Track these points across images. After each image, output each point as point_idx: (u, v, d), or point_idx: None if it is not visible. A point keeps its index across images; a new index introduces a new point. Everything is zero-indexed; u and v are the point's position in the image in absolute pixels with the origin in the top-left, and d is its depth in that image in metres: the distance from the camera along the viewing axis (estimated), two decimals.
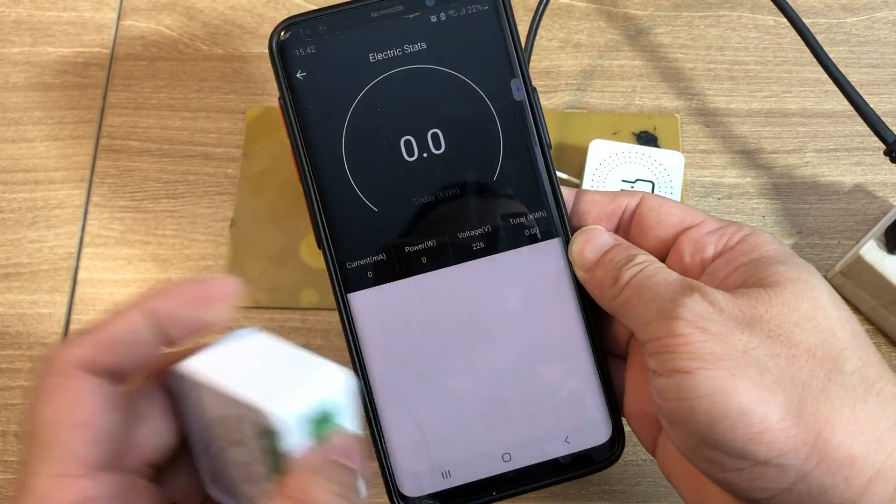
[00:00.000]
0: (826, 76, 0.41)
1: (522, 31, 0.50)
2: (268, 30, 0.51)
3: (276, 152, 0.47)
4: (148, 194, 0.47)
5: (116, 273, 0.45)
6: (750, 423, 0.25)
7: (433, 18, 0.31)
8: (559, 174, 0.45)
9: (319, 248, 0.31)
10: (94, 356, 0.24)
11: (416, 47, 0.31)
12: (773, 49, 0.50)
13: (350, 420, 0.25)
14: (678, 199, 0.43)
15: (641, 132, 0.47)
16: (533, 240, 0.32)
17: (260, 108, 0.49)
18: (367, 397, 0.31)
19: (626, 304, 0.29)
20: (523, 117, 0.32)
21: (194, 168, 0.47)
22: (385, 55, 0.31)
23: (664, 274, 0.28)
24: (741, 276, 0.28)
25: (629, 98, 0.49)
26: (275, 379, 0.24)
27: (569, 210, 0.32)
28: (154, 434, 0.26)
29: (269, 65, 0.50)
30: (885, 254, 0.40)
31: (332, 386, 0.24)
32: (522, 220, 0.32)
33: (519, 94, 0.32)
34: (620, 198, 0.32)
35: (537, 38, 0.48)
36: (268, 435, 0.23)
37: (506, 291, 0.31)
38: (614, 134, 0.47)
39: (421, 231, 0.31)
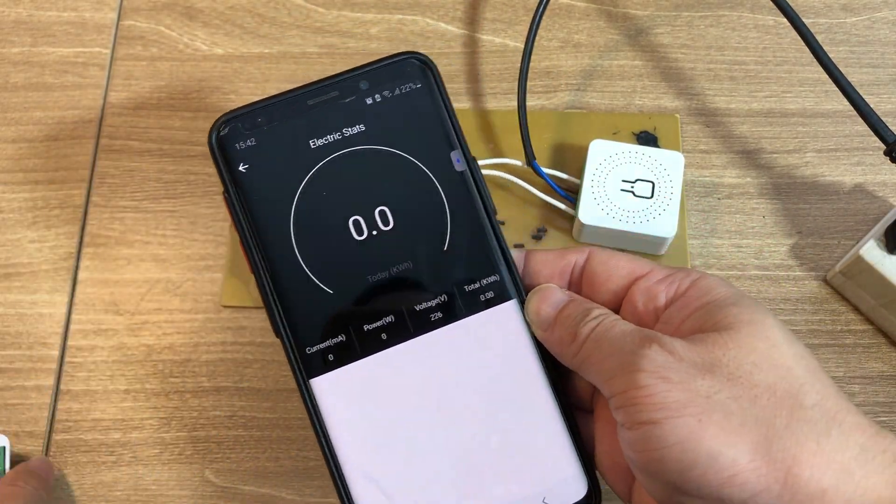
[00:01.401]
0: (826, 76, 0.41)
1: (522, 30, 0.50)
2: (268, 30, 0.51)
3: None
4: (148, 194, 0.47)
5: (117, 273, 0.45)
6: (721, 467, 0.25)
7: (369, 101, 0.32)
8: (559, 174, 0.45)
9: (277, 336, 0.31)
10: None
11: (355, 130, 0.32)
12: (773, 49, 0.50)
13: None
14: (678, 201, 0.43)
15: (641, 132, 0.48)
16: (488, 304, 0.32)
17: None
18: (336, 475, 0.31)
19: (587, 360, 0.29)
20: (466, 187, 0.32)
21: (194, 168, 0.47)
22: (325, 140, 0.32)
23: (621, 326, 0.29)
24: (695, 321, 0.29)
25: (629, 98, 0.49)
26: None
27: (520, 271, 0.33)
28: None
29: (269, 65, 0.50)
30: (885, 254, 0.40)
31: None
32: (476, 286, 0.32)
33: (460, 165, 0.33)
34: (569, 255, 0.32)
35: (537, 38, 0.48)
36: None
37: (467, 358, 0.31)
38: (614, 134, 0.47)
39: (378, 308, 0.31)
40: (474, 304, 0.32)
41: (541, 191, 0.45)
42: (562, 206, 0.45)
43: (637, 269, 0.31)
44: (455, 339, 0.31)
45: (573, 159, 0.47)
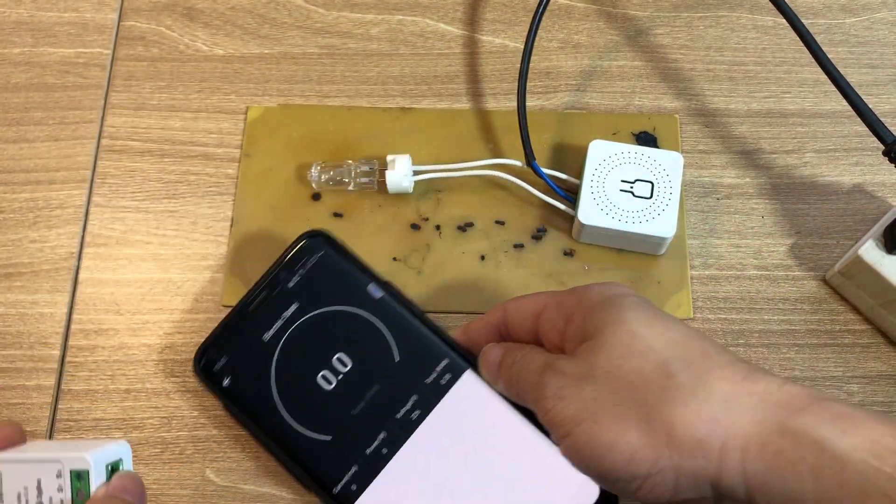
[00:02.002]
0: (825, 77, 0.42)
1: (522, 31, 0.50)
2: (268, 31, 0.51)
3: (276, 152, 0.47)
4: (149, 194, 0.47)
5: (117, 273, 0.45)
6: (621, 452, 0.30)
7: (290, 284, 0.39)
8: (559, 174, 0.45)
9: (309, 492, 0.37)
10: None
11: (291, 310, 0.39)
12: (772, 50, 0.50)
13: (129, 468, 0.34)
14: (677, 201, 0.43)
15: (641, 132, 0.48)
16: (451, 383, 0.38)
17: (260, 108, 0.49)
18: None
19: (522, 398, 0.34)
20: (390, 305, 0.39)
21: (195, 168, 0.47)
22: (273, 330, 0.39)
23: (532, 364, 0.34)
24: (580, 332, 0.33)
25: (629, 98, 0.49)
26: (79, 445, 0.33)
27: (463, 343, 0.38)
28: None
29: (269, 65, 0.50)
30: (884, 254, 0.40)
31: (121, 448, 0.33)
32: (434, 375, 0.38)
33: (377, 293, 0.39)
34: (493, 315, 0.37)
35: (537, 38, 0.48)
36: (80, 476, 0.31)
37: (455, 433, 0.37)
38: (614, 134, 0.47)
39: (369, 432, 0.37)
40: (440, 390, 0.38)
41: (540, 191, 0.45)
42: (561, 206, 0.45)
43: (537, 307, 0.35)
44: (438, 425, 0.37)
45: (573, 160, 0.47)
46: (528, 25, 0.46)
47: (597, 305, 0.33)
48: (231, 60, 0.50)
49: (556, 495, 0.35)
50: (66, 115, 0.49)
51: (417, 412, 0.37)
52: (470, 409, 0.37)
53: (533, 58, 0.49)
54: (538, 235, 0.45)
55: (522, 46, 0.47)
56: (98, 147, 0.48)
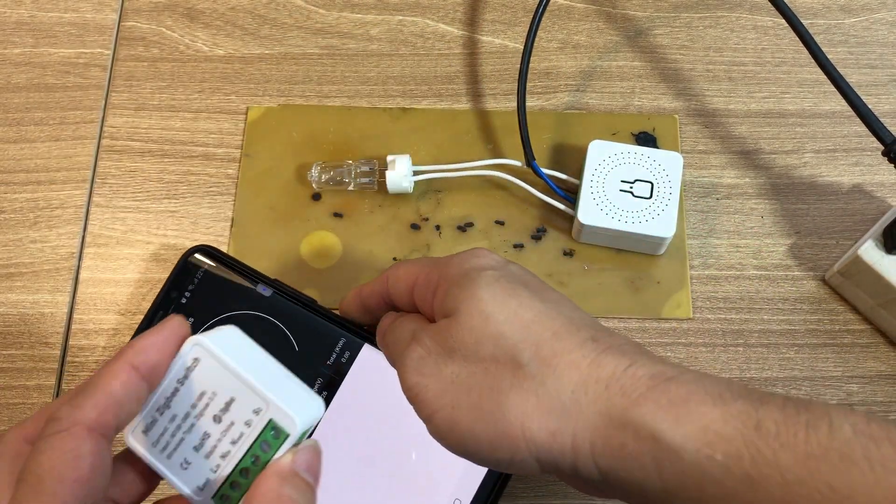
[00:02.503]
0: (824, 77, 0.42)
1: (522, 31, 0.50)
2: (269, 31, 0.51)
3: (276, 153, 0.47)
4: (149, 194, 0.47)
5: (118, 273, 0.45)
6: (481, 441, 0.29)
7: (183, 301, 0.42)
8: (558, 174, 0.45)
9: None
10: (100, 416, 0.26)
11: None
12: (771, 50, 0.50)
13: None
14: (677, 201, 0.43)
15: (640, 133, 0.48)
16: (351, 360, 0.40)
17: (260, 108, 0.49)
18: None
19: (394, 367, 0.33)
20: (281, 300, 0.42)
21: (195, 168, 0.48)
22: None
23: (403, 331, 0.33)
24: (441, 309, 0.32)
25: (628, 99, 0.49)
26: (288, 391, 0.29)
27: (354, 307, 0.37)
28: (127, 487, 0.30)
29: (269, 65, 0.50)
30: (884, 254, 0.41)
31: (319, 412, 0.30)
32: (334, 356, 0.41)
33: (266, 291, 0.42)
34: (378, 284, 0.36)
35: (537, 39, 0.48)
36: (278, 434, 0.28)
37: (361, 410, 0.39)
38: (613, 134, 0.47)
39: None
40: (342, 369, 0.40)
41: (540, 191, 0.45)
42: (561, 206, 0.45)
43: (410, 279, 0.34)
44: (345, 403, 0.39)
45: (572, 160, 0.47)
46: (528, 26, 0.46)
47: (454, 279, 0.32)
48: (231, 61, 0.50)
49: (455, 460, 0.37)
50: (66, 116, 0.49)
51: (325, 393, 0.40)
52: (372, 382, 0.40)
53: (533, 58, 0.49)
54: (538, 235, 0.45)
55: (522, 47, 0.47)
56: (98, 147, 0.48)
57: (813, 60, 0.42)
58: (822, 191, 0.46)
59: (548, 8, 0.48)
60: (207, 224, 0.46)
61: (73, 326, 0.44)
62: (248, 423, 0.28)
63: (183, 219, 0.46)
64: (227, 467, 0.28)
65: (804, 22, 0.43)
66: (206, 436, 0.28)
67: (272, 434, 0.28)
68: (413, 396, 0.31)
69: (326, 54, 0.50)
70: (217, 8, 0.52)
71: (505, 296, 0.31)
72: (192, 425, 0.28)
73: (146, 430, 0.28)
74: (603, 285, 0.44)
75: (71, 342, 0.44)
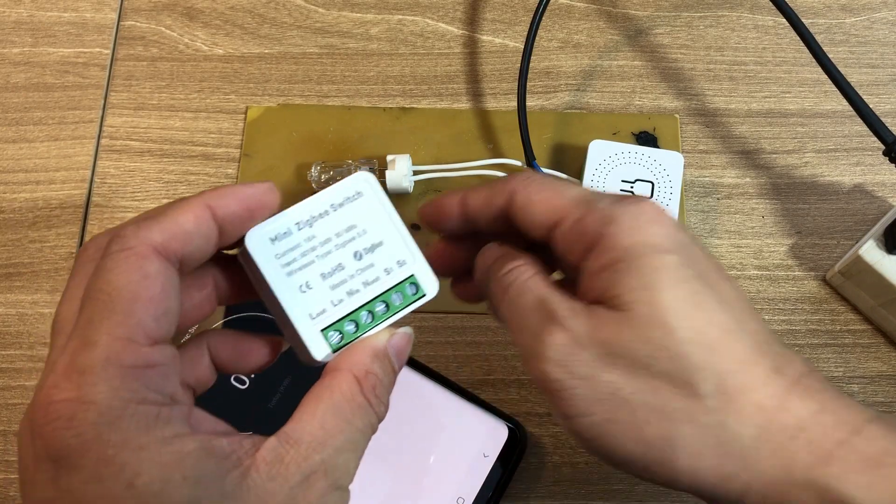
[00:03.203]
0: (825, 76, 0.41)
1: (522, 31, 0.50)
2: (268, 31, 0.51)
3: (276, 152, 0.47)
4: (149, 194, 0.47)
5: None
6: (635, 464, 0.27)
7: None
8: (559, 175, 0.45)
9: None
10: (167, 242, 0.25)
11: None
12: (772, 49, 0.50)
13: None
14: (678, 201, 0.43)
15: (641, 132, 0.48)
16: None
17: (260, 108, 0.49)
18: None
19: (513, 333, 0.29)
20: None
21: (195, 168, 0.47)
22: None
23: (529, 296, 0.28)
24: (600, 283, 0.27)
25: (629, 98, 0.49)
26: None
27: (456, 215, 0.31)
28: (199, 311, 0.29)
29: (269, 65, 0.50)
30: (885, 254, 0.40)
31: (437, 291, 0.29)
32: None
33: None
34: (498, 197, 0.30)
35: (537, 38, 0.48)
36: (416, 290, 0.28)
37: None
38: (614, 134, 0.47)
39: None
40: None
41: None
42: None
43: (550, 216, 0.29)
44: None
45: (573, 159, 0.47)
46: (528, 25, 0.46)
47: (625, 256, 0.27)
48: (231, 60, 0.50)
49: (470, 439, 0.39)
50: (65, 115, 0.49)
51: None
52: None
53: (533, 57, 0.49)
54: None
55: (522, 46, 0.46)
56: (98, 147, 0.48)
57: (814, 60, 0.42)
58: (823, 191, 0.46)
59: (548, 7, 0.48)
60: None
61: None
62: (387, 271, 0.28)
63: None
64: (349, 305, 0.27)
65: (805, 21, 0.43)
66: (339, 267, 0.28)
67: (410, 289, 0.28)
68: (553, 390, 0.27)
69: (326, 54, 0.50)
70: (216, 7, 0.51)
71: (691, 305, 0.26)
72: (329, 252, 0.28)
73: (275, 239, 0.27)
74: None
75: None
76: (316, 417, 0.26)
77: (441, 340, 0.43)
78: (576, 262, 0.28)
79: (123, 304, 0.24)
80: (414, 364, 0.42)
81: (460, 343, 0.43)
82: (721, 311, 0.27)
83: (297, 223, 0.27)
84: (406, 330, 0.28)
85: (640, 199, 0.28)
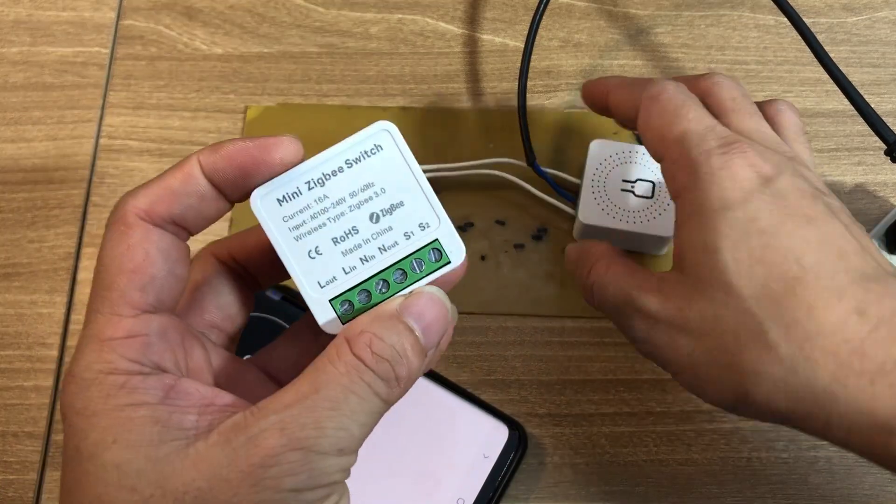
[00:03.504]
0: (827, 76, 0.41)
1: (522, 30, 0.50)
2: (267, 30, 0.51)
3: None
4: None
5: None
6: (723, 403, 0.28)
7: None
8: (559, 174, 0.45)
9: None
10: (152, 206, 0.25)
11: None
12: (773, 49, 0.50)
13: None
14: None
15: None
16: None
17: (259, 107, 0.48)
18: None
19: (605, 311, 0.32)
20: (289, 307, 0.42)
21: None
22: None
23: (609, 290, 0.31)
24: (678, 241, 0.29)
25: None
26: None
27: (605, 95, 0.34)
28: (223, 304, 0.29)
29: (268, 64, 0.50)
30: (886, 254, 0.40)
31: (464, 256, 0.26)
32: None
33: (276, 296, 0.42)
34: (635, 96, 0.32)
35: (537, 37, 0.48)
36: (439, 256, 0.25)
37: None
38: (615, 134, 0.47)
39: None
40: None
41: (541, 191, 0.45)
42: (562, 205, 0.45)
43: (660, 148, 0.30)
44: None
45: (573, 159, 0.46)
46: (529, 24, 0.46)
47: (694, 217, 0.27)
48: (230, 59, 0.50)
49: (470, 440, 0.39)
50: (64, 115, 0.49)
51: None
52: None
53: (533, 57, 0.49)
54: (539, 235, 0.45)
55: (522, 45, 0.46)
56: (96, 146, 0.48)
57: (815, 59, 0.42)
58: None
59: (549, 6, 0.48)
60: None
61: (71, 327, 0.44)
62: (407, 235, 0.25)
63: None
64: (363, 272, 0.25)
65: (807, 20, 0.43)
66: (353, 231, 0.25)
67: (432, 255, 0.25)
68: (648, 357, 0.30)
69: (325, 53, 0.50)
70: (215, 6, 0.51)
71: (755, 260, 0.26)
72: (342, 214, 0.25)
73: (283, 200, 0.26)
74: None
75: (69, 343, 0.44)
76: (293, 385, 0.24)
77: None
78: (675, 200, 0.29)
79: (109, 277, 0.25)
80: None
81: (460, 343, 0.43)
82: (796, 258, 0.26)
83: (306, 182, 0.26)
84: (430, 289, 0.26)
85: (735, 144, 0.28)
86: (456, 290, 0.44)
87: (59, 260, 0.45)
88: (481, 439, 0.40)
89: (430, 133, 0.48)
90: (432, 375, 0.41)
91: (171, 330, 0.25)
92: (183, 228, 0.26)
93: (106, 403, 0.24)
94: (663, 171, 0.30)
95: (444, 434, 0.40)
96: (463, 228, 0.45)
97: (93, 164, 0.48)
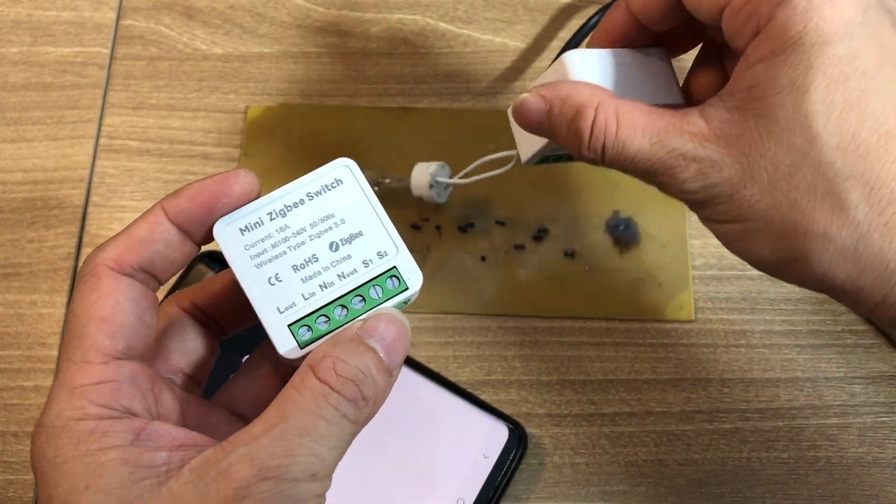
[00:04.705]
0: None
1: (523, 30, 0.50)
2: (267, 30, 0.51)
3: (276, 152, 0.47)
4: (147, 194, 0.47)
5: None
6: (760, 265, 0.27)
7: None
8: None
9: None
10: (121, 256, 0.26)
11: None
12: None
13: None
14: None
15: None
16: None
17: (260, 107, 0.48)
18: None
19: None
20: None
21: (194, 168, 0.47)
22: None
23: (636, 144, 0.27)
24: (751, 77, 0.25)
25: None
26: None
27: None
28: (188, 350, 0.29)
29: (269, 64, 0.50)
30: None
31: (420, 285, 0.27)
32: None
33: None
34: None
35: (538, 37, 0.48)
36: (397, 283, 0.26)
37: None
38: None
39: None
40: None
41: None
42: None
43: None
44: None
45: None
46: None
47: (785, 50, 0.24)
48: (230, 59, 0.50)
49: (470, 440, 0.40)
50: (64, 115, 0.49)
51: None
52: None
53: (534, 56, 0.49)
54: (539, 236, 0.45)
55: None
56: (96, 147, 0.48)
57: None
58: None
59: (549, 5, 0.48)
60: None
61: None
62: (366, 263, 0.26)
63: None
64: (322, 299, 0.26)
65: None
66: (313, 259, 0.26)
67: (391, 283, 0.26)
68: (695, 208, 0.28)
69: (326, 53, 0.50)
70: (216, 6, 0.51)
71: (847, 105, 0.24)
72: (302, 243, 0.26)
73: (245, 230, 0.26)
74: (604, 287, 0.44)
75: None
76: (262, 417, 0.24)
77: (440, 341, 0.43)
78: (742, 47, 0.26)
79: (80, 326, 0.25)
80: (413, 364, 0.41)
81: (460, 343, 0.43)
82: (890, 106, 0.24)
83: (269, 213, 0.27)
84: (388, 310, 0.26)
85: None
86: (456, 290, 0.44)
87: (59, 260, 0.45)
88: (481, 439, 0.40)
89: (430, 133, 0.48)
90: (432, 375, 0.41)
91: (140, 375, 0.26)
92: (152, 276, 0.26)
93: (77, 450, 0.24)
94: (731, 15, 0.26)
95: (445, 434, 0.40)
96: (464, 229, 0.45)
97: (92, 164, 0.47)
